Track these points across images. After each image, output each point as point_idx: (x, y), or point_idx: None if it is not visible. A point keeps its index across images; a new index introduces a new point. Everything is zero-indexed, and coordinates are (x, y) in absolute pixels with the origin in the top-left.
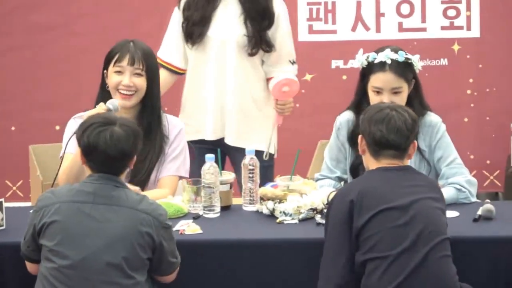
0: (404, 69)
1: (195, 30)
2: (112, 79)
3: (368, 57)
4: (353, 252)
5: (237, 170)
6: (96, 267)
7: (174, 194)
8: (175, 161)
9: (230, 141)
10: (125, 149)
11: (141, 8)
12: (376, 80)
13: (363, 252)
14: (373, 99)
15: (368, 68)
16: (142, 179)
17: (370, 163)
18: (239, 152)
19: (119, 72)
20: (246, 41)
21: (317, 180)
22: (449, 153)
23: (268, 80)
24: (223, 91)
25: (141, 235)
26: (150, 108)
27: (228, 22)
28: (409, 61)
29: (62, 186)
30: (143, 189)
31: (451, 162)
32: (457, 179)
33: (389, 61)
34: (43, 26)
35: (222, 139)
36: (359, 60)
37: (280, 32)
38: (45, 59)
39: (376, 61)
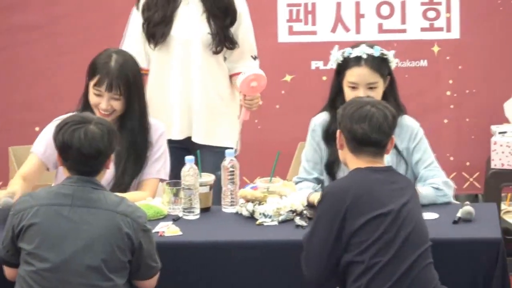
0: (379, 64)
1: (157, 31)
2: (92, 98)
3: (343, 53)
4: (339, 255)
5: (206, 169)
6: (75, 269)
7: (154, 196)
8: (156, 164)
9: (198, 139)
10: (100, 147)
11: (122, 9)
12: (352, 75)
13: (353, 255)
14: (349, 94)
15: (344, 63)
16: (124, 187)
17: (348, 158)
18: (205, 150)
19: (98, 94)
20: (210, 39)
21: (296, 183)
22: (428, 157)
23: (231, 76)
24: (189, 90)
25: (121, 237)
26: (131, 121)
27: (191, 21)
28: (385, 56)
29: (41, 189)
30: (124, 192)
31: (429, 165)
32: (435, 180)
33: (364, 56)
34: (24, 26)
35: (188, 138)
36: (335, 56)
37: (242, 29)
38: (25, 60)
39: (351, 56)
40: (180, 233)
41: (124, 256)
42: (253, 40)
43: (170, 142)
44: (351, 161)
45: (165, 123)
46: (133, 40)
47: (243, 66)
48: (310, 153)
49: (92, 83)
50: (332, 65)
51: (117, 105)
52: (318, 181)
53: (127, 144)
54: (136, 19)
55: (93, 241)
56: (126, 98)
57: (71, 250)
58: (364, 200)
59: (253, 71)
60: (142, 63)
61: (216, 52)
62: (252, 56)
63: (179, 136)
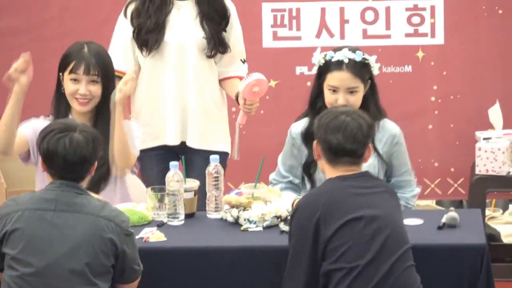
0: (360, 69)
1: (150, 38)
2: (69, 87)
3: (325, 56)
4: (317, 266)
5: (199, 174)
6: (59, 274)
7: (134, 162)
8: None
9: (193, 144)
10: (84, 154)
11: (107, 13)
12: (333, 78)
13: (330, 262)
14: (329, 97)
15: (325, 66)
16: (100, 179)
17: (326, 168)
18: (199, 154)
19: (75, 80)
20: (205, 43)
21: (272, 184)
22: (404, 163)
23: (221, 80)
24: (184, 95)
25: (104, 242)
26: (107, 111)
27: (184, 25)
28: (366, 62)
29: (25, 193)
30: (103, 187)
31: (402, 173)
32: (404, 195)
33: (346, 60)
34: (12, 30)
35: (182, 143)
36: (317, 58)
37: (233, 32)
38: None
39: (333, 60)
40: (165, 239)
41: (107, 261)
42: (243, 44)
43: (163, 148)
44: (328, 171)
45: (157, 128)
46: (121, 48)
47: (233, 70)
48: (287, 159)
49: (67, 72)
50: (313, 63)
51: (96, 90)
52: (292, 184)
53: (105, 129)
54: (124, 27)
55: (76, 245)
56: (103, 83)
57: (55, 254)
58: (334, 207)
59: (255, 76)
60: (131, 69)
61: (210, 56)
62: (241, 60)
63: (174, 141)
